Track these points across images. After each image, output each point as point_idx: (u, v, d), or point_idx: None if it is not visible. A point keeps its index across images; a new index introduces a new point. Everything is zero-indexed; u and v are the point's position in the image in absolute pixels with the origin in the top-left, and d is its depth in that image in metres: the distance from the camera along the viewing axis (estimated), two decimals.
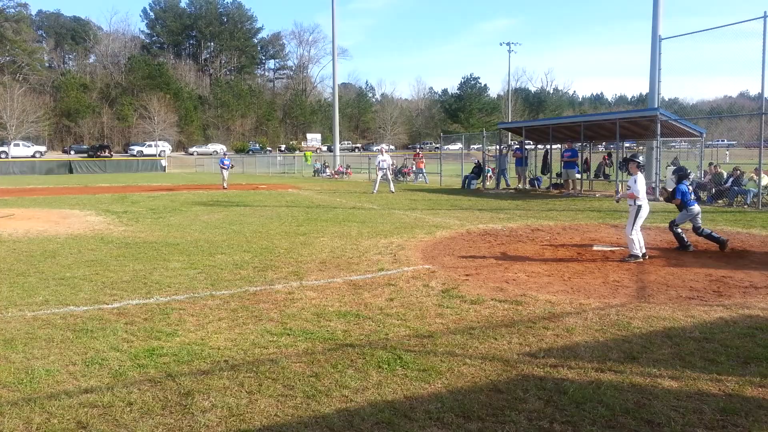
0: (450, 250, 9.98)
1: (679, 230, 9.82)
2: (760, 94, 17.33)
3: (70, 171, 51.59)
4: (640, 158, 10.84)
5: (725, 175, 18.51)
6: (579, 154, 23.71)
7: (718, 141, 57.47)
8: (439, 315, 6.03)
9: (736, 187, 17.40)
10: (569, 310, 6.17)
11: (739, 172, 18.33)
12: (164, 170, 55.28)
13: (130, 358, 4.83)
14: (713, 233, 9.74)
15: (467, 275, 7.92)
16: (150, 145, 73.68)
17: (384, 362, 4.68)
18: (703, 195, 18.55)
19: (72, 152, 72.83)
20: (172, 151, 78.96)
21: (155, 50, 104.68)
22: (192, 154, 76.53)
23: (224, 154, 36.96)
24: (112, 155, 67.05)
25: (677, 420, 3.64)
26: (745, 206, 16.51)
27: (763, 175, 16.97)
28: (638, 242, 8.82)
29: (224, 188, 27.46)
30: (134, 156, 67.64)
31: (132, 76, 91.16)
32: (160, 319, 5.97)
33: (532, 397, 4.01)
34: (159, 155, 67.16)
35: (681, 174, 10.30)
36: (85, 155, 66.04)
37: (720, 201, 17.72)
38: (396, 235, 11.68)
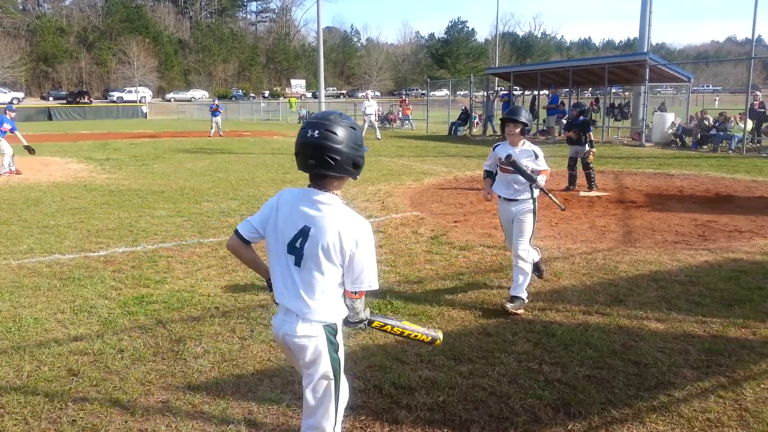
0: (438, 197, 9.97)
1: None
2: (748, 38, 17.19)
3: (50, 118, 50.28)
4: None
5: (711, 120, 18.52)
6: (558, 100, 23.54)
7: (704, 86, 57.31)
8: (428, 261, 6.06)
9: (721, 133, 17.44)
10: (557, 254, 6.22)
11: (724, 117, 18.34)
12: (146, 117, 54.15)
13: (119, 306, 4.82)
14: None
15: (455, 222, 7.93)
16: (130, 91, 71.84)
17: (375, 308, 4.70)
18: (689, 140, 18.60)
19: (51, 98, 70.88)
20: (153, 97, 77.23)
21: None
22: (170, 101, 74.82)
23: (213, 100, 35.75)
24: (91, 101, 65.40)
25: (663, 361, 3.72)
26: (730, 152, 16.60)
27: (748, 120, 17.02)
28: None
29: (220, 135, 25.88)
30: (114, 102, 66.03)
31: (110, 19, 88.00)
32: (148, 266, 5.93)
33: (521, 340, 4.08)
34: (140, 101, 65.66)
35: (581, 110, 10.79)
36: (65, 102, 64.35)
37: (705, 146, 17.79)
38: (383, 182, 11.62)
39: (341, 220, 2.23)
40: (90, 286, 5.33)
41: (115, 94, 71.18)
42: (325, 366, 2.30)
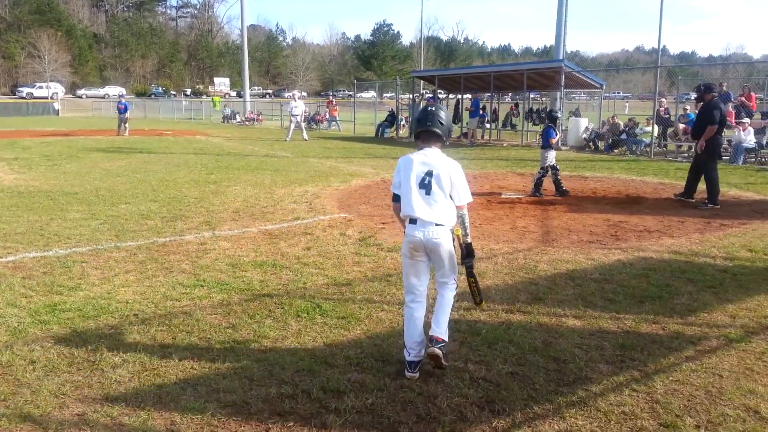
0: (366, 199, 10.01)
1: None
2: (655, 48, 18.29)
3: None
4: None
5: (622, 125, 19.58)
6: (479, 104, 24.29)
7: (614, 93, 60.47)
8: (356, 263, 6.07)
9: (631, 138, 18.46)
10: (480, 255, 6.38)
11: (633, 122, 19.44)
12: (57, 114, 51.25)
13: (30, 315, 4.53)
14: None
15: (383, 223, 7.99)
16: (41, 87, 67.64)
17: (303, 311, 4.67)
18: (601, 144, 19.59)
19: None
20: (66, 93, 73.16)
21: None
22: (81, 97, 71.13)
23: (120, 97, 34.33)
24: None
25: (581, 356, 3.90)
26: (638, 154, 17.61)
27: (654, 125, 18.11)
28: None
29: (124, 135, 25.62)
30: (23, 98, 61.99)
31: (18, 10, 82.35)
32: (60, 272, 5.62)
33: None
34: (51, 97, 61.97)
35: (546, 116, 10.97)
36: None
37: (616, 150, 18.78)
38: (311, 184, 11.54)
39: (447, 163, 3.65)
40: None
41: (25, 90, 66.81)
42: (449, 246, 3.65)
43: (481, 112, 25.27)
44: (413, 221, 3.62)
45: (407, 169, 3.66)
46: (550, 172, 10.39)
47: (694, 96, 11.63)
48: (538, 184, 10.45)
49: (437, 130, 3.67)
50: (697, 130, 9.67)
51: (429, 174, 3.60)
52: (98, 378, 3.58)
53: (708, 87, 9.68)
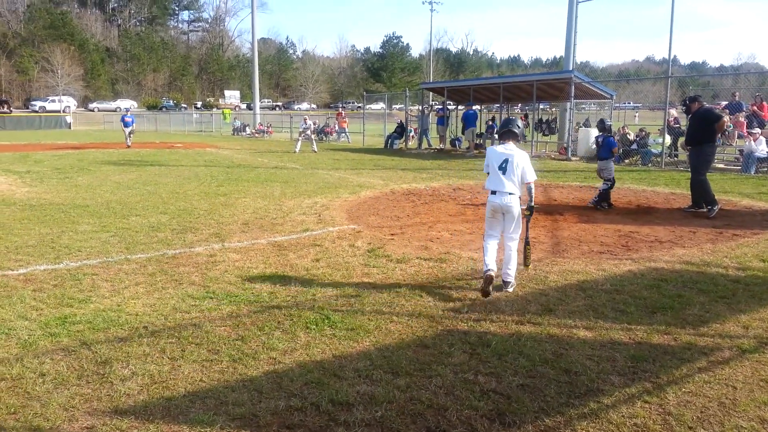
0: (374, 210, 10.01)
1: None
2: (666, 58, 18.23)
3: None
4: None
5: (633, 135, 19.50)
6: (475, 114, 24.46)
7: (625, 103, 60.26)
8: (365, 274, 6.06)
9: (642, 149, 18.38)
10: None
11: (644, 133, 19.36)
12: (69, 127, 51.80)
13: (41, 327, 4.55)
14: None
15: (392, 234, 7.98)
16: (53, 101, 68.52)
17: (312, 323, 4.66)
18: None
19: None
20: (78, 106, 73.99)
21: None
22: (93, 110, 71.89)
23: (125, 110, 34.82)
24: (11, 111, 61.97)
25: (592, 368, 3.86)
26: (649, 165, 17.51)
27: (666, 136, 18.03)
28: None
29: (127, 146, 26.06)
30: (36, 112, 62.77)
31: (32, 25, 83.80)
32: (71, 285, 5.65)
33: (458, 351, 4.13)
34: (63, 111, 62.66)
35: (600, 127, 10.78)
36: None
37: (627, 160, 18.69)
38: (320, 195, 11.57)
39: (519, 152, 5.37)
40: (8, 306, 5.01)
41: (38, 104, 67.76)
42: (517, 210, 5.36)
43: (490, 123, 25.32)
44: (494, 192, 5.37)
45: (492, 156, 5.44)
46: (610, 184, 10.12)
47: (682, 109, 11.81)
48: (606, 197, 10.12)
49: (515, 130, 5.51)
50: (691, 138, 9.75)
51: (506, 160, 5.32)
52: (107, 391, 3.58)
53: (693, 98, 9.96)
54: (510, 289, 5.43)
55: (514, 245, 5.45)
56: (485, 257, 5.35)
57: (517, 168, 5.29)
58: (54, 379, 3.71)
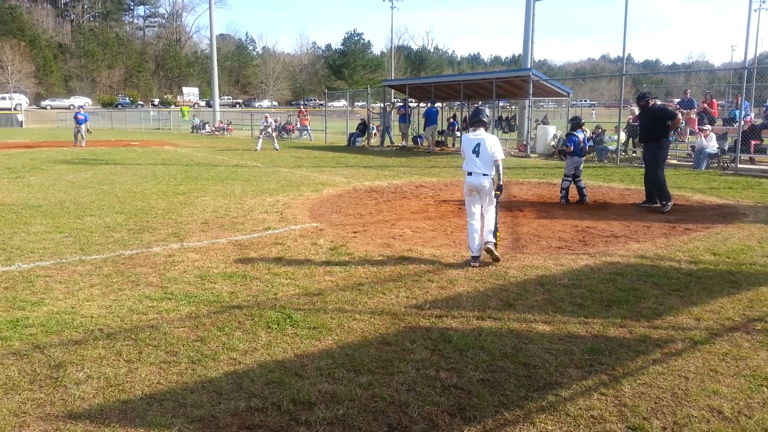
0: (337, 208, 9.98)
1: (582, 183, 10.61)
2: (620, 56, 18.70)
3: None
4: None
5: (589, 132, 19.90)
6: (436, 112, 24.65)
7: (581, 101, 61.54)
8: (328, 273, 6.03)
9: (598, 146, 18.79)
10: (452, 262, 6.41)
11: (600, 130, 19.80)
12: (21, 125, 50.10)
13: None
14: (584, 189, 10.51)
15: (355, 232, 7.96)
16: (3, 98, 66.06)
17: (273, 322, 4.62)
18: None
19: None
20: (30, 104, 71.52)
21: None
22: (46, 108, 69.63)
23: (79, 108, 33.88)
24: None
25: (551, 361, 3.93)
26: (605, 161, 17.92)
27: (621, 132, 18.48)
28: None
29: (81, 146, 25.24)
30: None
31: None
32: (23, 287, 5.47)
33: (419, 348, 4.15)
34: (14, 109, 60.49)
35: (575, 123, 10.94)
36: None
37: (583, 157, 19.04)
38: (282, 193, 11.47)
39: (489, 137, 6.25)
40: None
41: None
42: (490, 187, 6.20)
43: (451, 120, 25.53)
44: (470, 173, 6.25)
45: (466, 143, 6.34)
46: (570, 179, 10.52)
47: (636, 108, 12.18)
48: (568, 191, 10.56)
49: (484, 119, 6.41)
50: (646, 135, 10.00)
51: (478, 144, 6.20)
52: (61, 395, 3.48)
53: (644, 95, 10.27)
54: (491, 246, 6.22)
55: (489, 215, 6.34)
56: (473, 242, 6.26)
57: (488, 150, 6.13)
58: (4, 384, 3.59)
